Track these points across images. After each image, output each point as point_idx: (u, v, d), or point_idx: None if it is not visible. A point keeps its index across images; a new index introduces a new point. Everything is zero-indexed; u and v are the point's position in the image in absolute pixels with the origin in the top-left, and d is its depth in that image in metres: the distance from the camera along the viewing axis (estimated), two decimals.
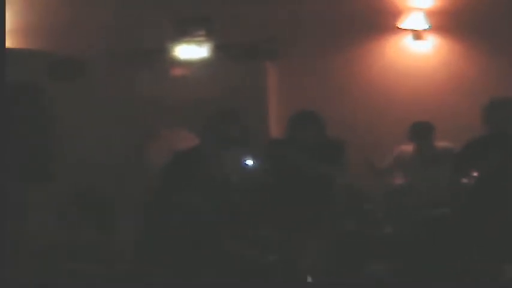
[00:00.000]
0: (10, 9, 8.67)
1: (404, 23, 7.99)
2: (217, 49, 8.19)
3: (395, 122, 7.60)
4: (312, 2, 8.17)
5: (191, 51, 8.24)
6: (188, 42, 8.24)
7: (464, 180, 6.03)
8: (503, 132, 5.88)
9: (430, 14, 7.96)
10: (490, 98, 6.00)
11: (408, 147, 7.26)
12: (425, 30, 7.99)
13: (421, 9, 7.96)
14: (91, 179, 7.36)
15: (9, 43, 8.66)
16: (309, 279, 5.82)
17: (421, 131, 7.14)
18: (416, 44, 8.07)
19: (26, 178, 6.82)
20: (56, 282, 6.25)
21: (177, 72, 8.25)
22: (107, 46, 8.26)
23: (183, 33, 8.24)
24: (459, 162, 6.15)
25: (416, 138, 7.18)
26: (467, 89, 7.87)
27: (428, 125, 7.15)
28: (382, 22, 8.07)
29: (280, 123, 7.68)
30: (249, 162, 6.92)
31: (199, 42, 8.22)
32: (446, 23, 7.98)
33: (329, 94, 8.11)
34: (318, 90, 8.14)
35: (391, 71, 8.12)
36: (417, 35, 8.03)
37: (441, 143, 7.14)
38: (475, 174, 6.00)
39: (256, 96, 8.02)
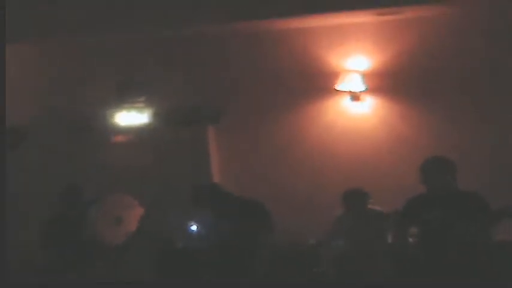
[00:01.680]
0: None
1: (342, 85, 8.10)
2: (158, 114, 8.25)
3: (334, 185, 7.63)
4: (251, 66, 8.30)
5: (132, 117, 8.31)
6: (129, 108, 8.30)
7: (404, 239, 6.11)
8: (440, 191, 5.95)
9: (367, 76, 8.09)
10: (425, 157, 6.08)
11: (345, 214, 7.25)
12: (362, 91, 8.11)
13: (358, 71, 8.08)
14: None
15: None
16: None
17: (355, 199, 7.14)
18: (354, 105, 8.18)
19: None
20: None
21: (120, 138, 8.28)
22: (49, 112, 8.27)
23: (124, 99, 8.31)
24: (399, 222, 6.21)
25: (351, 205, 7.17)
26: (404, 149, 7.96)
27: (361, 192, 7.17)
28: (320, 84, 8.18)
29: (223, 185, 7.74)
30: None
31: (140, 108, 8.28)
32: (382, 84, 8.10)
33: (269, 157, 8.22)
34: (258, 153, 8.25)
35: (330, 133, 8.20)
36: (355, 96, 8.14)
37: (375, 208, 7.19)
38: (415, 232, 6.07)
39: (199, 159, 8.10)
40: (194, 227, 7.25)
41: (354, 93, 8.13)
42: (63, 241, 7.16)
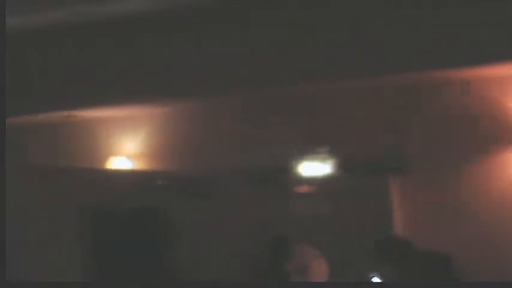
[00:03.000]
0: (142, 132, 9.09)
1: None
2: (342, 165, 8.27)
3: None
4: (440, 114, 8.18)
5: (315, 167, 8.36)
6: (312, 159, 8.37)
7: None
8: None
9: None
10: None
11: None
12: None
13: None
14: None
15: (139, 165, 9.05)
16: None
17: None
18: None
19: None
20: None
21: (303, 189, 8.36)
22: (233, 164, 8.48)
23: (308, 150, 8.40)
24: None
25: None
26: None
27: None
28: (508, 135, 7.97)
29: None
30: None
31: (323, 159, 8.33)
32: None
33: (452, 209, 8.01)
34: (441, 205, 8.06)
35: None
36: None
37: None
38: None
39: (381, 212, 8.04)
40: (376, 279, 7.18)
41: None
42: None
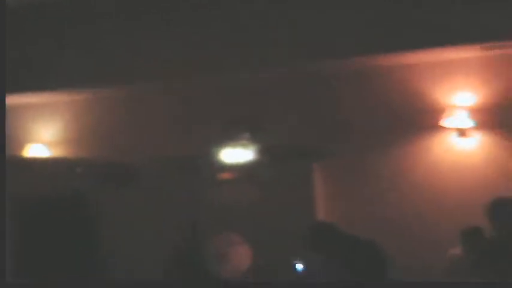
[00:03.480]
0: (60, 119, 8.94)
1: (448, 121, 8.03)
2: (263, 151, 8.30)
3: (443, 222, 7.53)
4: (357, 102, 8.30)
5: (237, 154, 8.37)
6: (234, 145, 8.37)
7: None
8: None
9: (474, 112, 8.00)
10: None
11: (457, 250, 7.09)
12: (469, 127, 8.02)
13: (464, 107, 8.00)
14: None
15: (60, 152, 8.91)
16: None
17: (471, 237, 6.98)
18: (461, 141, 8.08)
19: None
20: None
21: (225, 176, 8.34)
22: (155, 152, 8.42)
23: (229, 137, 8.39)
24: None
25: (466, 243, 7.00)
26: None
27: (478, 230, 7.00)
28: (427, 120, 8.12)
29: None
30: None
31: (245, 145, 8.35)
32: (489, 120, 7.99)
33: (375, 194, 8.15)
34: (364, 190, 8.20)
35: (437, 169, 8.11)
36: (461, 132, 8.05)
37: None
38: None
39: (304, 197, 8.09)
40: (300, 266, 7.21)
41: (461, 129, 8.04)
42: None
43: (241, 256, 7.52)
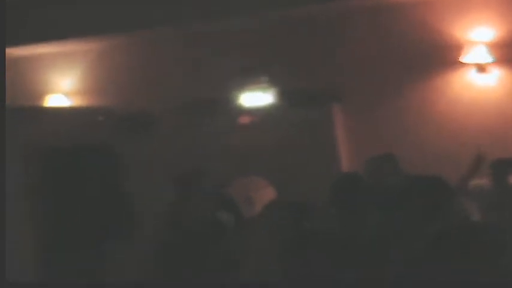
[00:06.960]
0: (79, 69, 8.96)
1: (467, 57, 7.99)
2: (282, 95, 8.29)
3: (462, 158, 7.51)
4: (373, 42, 8.26)
5: (256, 98, 8.37)
6: (253, 89, 8.37)
7: None
8: None
9: (493, 47, 7.95)
10: None
11: (482, 181, 7.07)
12: (488, 63, 7.97)
13: (483, 42, 7.95)
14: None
15: (77, 102, 8.94)
16: None
17: (501, 167, 6.95)
18: (480, 77, 8.05)
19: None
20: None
21: (244, 120, 8.34)
22: (173, 99, 8.43)
23: (248, 81, 8.38)
24: None
25: (494, 173, 6.98)
26: None
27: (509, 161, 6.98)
28: (445, 57, 8.08)
29: (352, 167, 7.73)
30: None
31: (263, 89, 8.34)
32: (509, 55, 7.94)
33: (396, 133, 8.16)
34: (385, 130, 8.22)
35: (456, 106, 8.09)
36: (480, 68, 8.01)
37: None
38: None
39: (326, 139, 8.11)
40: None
41: (480, 65, 8.00)
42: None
43: (266, 199, 7.53)
